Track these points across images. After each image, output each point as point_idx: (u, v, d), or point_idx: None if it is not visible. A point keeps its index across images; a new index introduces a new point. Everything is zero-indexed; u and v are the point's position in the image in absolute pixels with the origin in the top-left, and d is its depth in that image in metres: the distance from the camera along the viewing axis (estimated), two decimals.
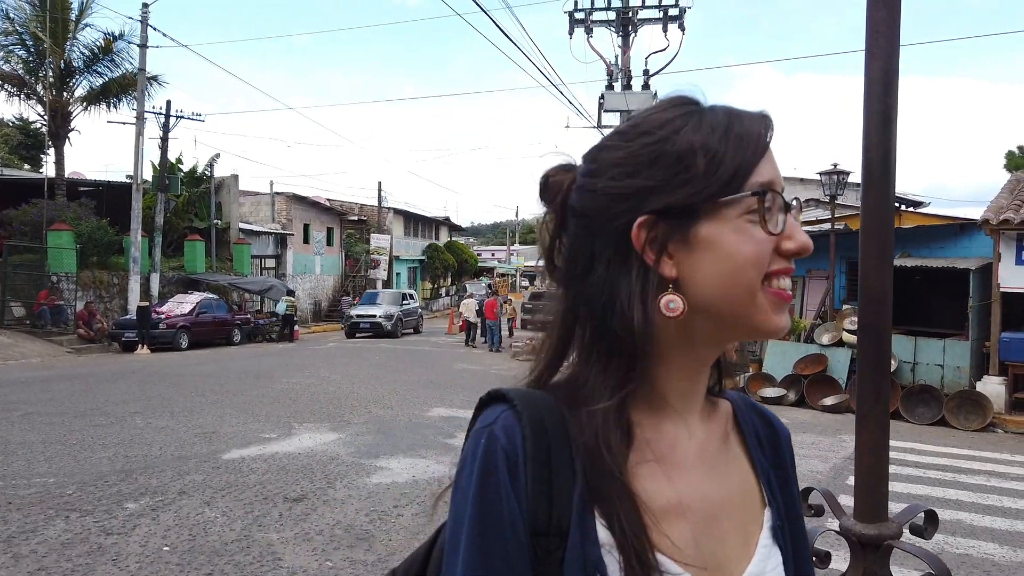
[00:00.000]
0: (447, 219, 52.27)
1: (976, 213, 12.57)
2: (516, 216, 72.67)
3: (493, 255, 74.71)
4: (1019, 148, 32.29)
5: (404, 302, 28.90)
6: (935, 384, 11.49)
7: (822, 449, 8.86)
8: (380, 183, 38.16)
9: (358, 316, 26.60)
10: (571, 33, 18.32)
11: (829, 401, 11.92)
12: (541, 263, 0.84)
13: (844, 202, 25.91)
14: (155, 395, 11.27)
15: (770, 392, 12.62)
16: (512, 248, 73.06)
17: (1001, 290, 11.06)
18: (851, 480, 7.43)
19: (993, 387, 10.92)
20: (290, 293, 26.88)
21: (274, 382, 13.21)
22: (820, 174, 13.44)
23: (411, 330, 28.85)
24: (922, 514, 1.63)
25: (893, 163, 1.65)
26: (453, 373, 15.63)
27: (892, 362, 11.72)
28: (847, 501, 5.75)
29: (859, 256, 1.61)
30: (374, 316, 26.31)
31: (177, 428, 8.67)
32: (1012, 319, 11.40)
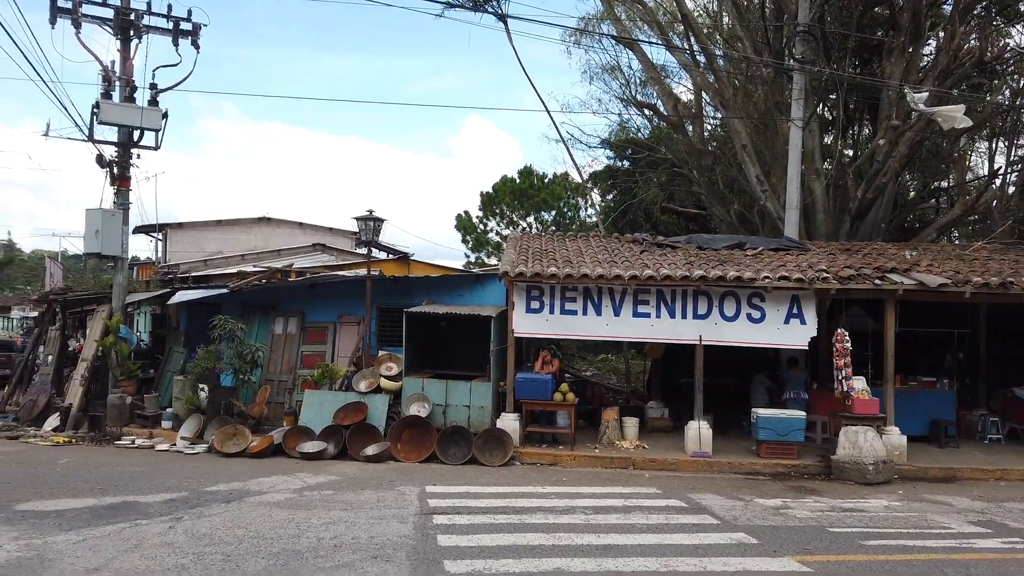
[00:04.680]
0: None
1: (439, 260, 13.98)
2: None
3: None
4: (465, 212, 38.04)
5: None
6: (464, 424, 12.21)
7: (391, 506, 8.41)
8: None
9: None
10: (53, 22, 14.86)
11: (371, 451, 11.65)
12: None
13: (345, 247, 26.72)
14: None
15: (309, 447, 11.78)
16: None
17: (515, 335, 12.39)
18: (443, 539, 7.17)
19: (510, 423, 12.08)
20: None
21: None
22: (357, 219, 13.37)
23: None
24: None
25: None
26: None
27: (427, 406, 12.11)
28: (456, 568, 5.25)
29: None
30: None
31: None
32: (524, 360, 12.89)
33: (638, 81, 23.46)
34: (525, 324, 12.38)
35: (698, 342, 11.90)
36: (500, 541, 7.01)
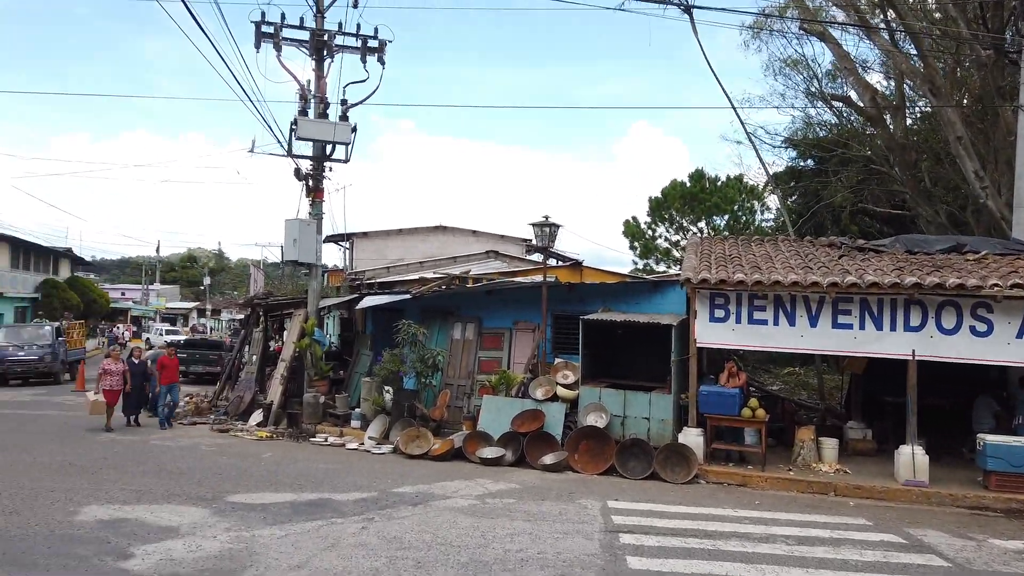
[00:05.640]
0: (69, 250, 43.92)
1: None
2: (157, 252, 64.40)
3: (124, 295, 65.45)
4: (633, 218, 37.23)
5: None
6: (643, 437, 11.73)
7: (574, 520, 8.14)
8: None
9: None
10: (258, 46, 16.16)
11: (549, 460, 11.48)
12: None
13: (516, 254, 27.01)
14: None
15: (488, 453, 11.83)
16: (151, 287, 64.53)
17: (698, 345, 11.74)
18: (632, 561, 6.80)
19: (692, 438, 11.44)
20: None
21: None
22: (533, 225, 13.30)
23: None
24: None
25: None
26: (98, 447, 12.11)
27: (604, 416, 11.74)
28: None
29: None
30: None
31: None
32: (704, 373, 12.20)
33: (823, 74, 21.82)
34: (708, 334, 11.70)
35: (910, 357, 10.64)
36: (695, 568, 6.51)
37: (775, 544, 7.45)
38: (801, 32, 19.56)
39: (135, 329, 52.46)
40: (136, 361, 15.51)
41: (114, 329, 46.81)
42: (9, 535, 6.72)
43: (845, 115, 22.04)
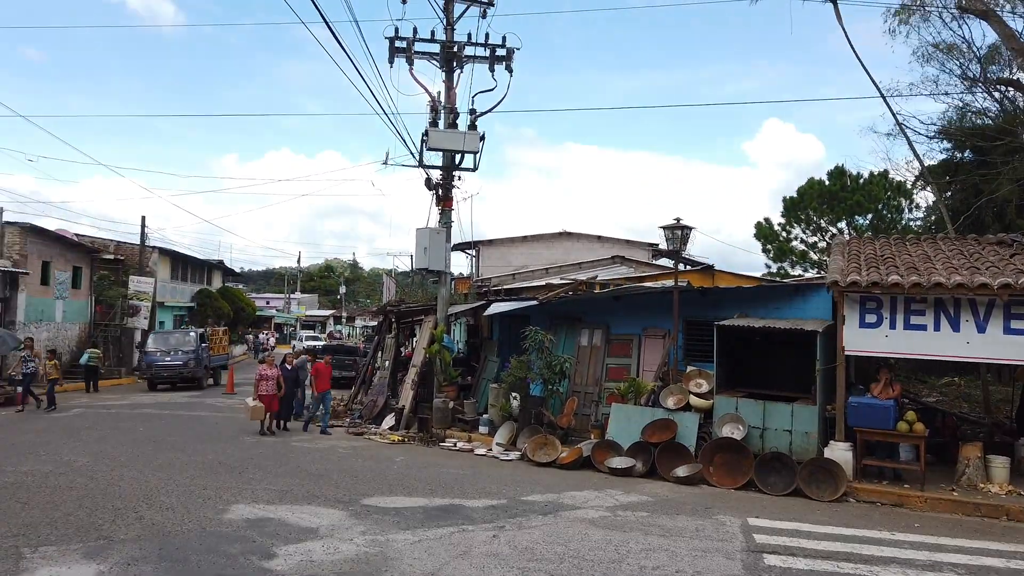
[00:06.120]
0: (221, 262, 47.28)
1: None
2: (297, 263, 68.34)
3: (269, 303, 69.77)
4: (765, 220, 35.57)
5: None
6: (784, 450, 11.02)
7: (712, 538, 7.69)
8: (144, 218, 33.23)
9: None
10: (391, 61, 16.67)
11: (682, 472, 11.00)
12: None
13: (642, 259, 26.42)
14: None
15: (617, 463, 11.49)
16: (292, 296, 68.45)
17: (846, 353, 10.91)
18: None
19: (840, 453, 10.63)
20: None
21: None
22: (663, 228, 12.87)
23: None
24: None
25: None
26: (245, 448, 12.78)
27: (741, 428, 11.11)
28: None
29: None
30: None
31: None
32: (852, 382, 11.33)
33: (978, 58, 19.84)
34: (858, 341, 10.85)
35: None
36: None
37: (942, 573, 6.71)
38: (956, 11, 17.93)
39: (277, 336, 55.75)
40: (289, 367, 16.02)
41: (260, 336, 49.97)
42: (165, 531, 7.12)
43: (1010, 99, 19.99)
